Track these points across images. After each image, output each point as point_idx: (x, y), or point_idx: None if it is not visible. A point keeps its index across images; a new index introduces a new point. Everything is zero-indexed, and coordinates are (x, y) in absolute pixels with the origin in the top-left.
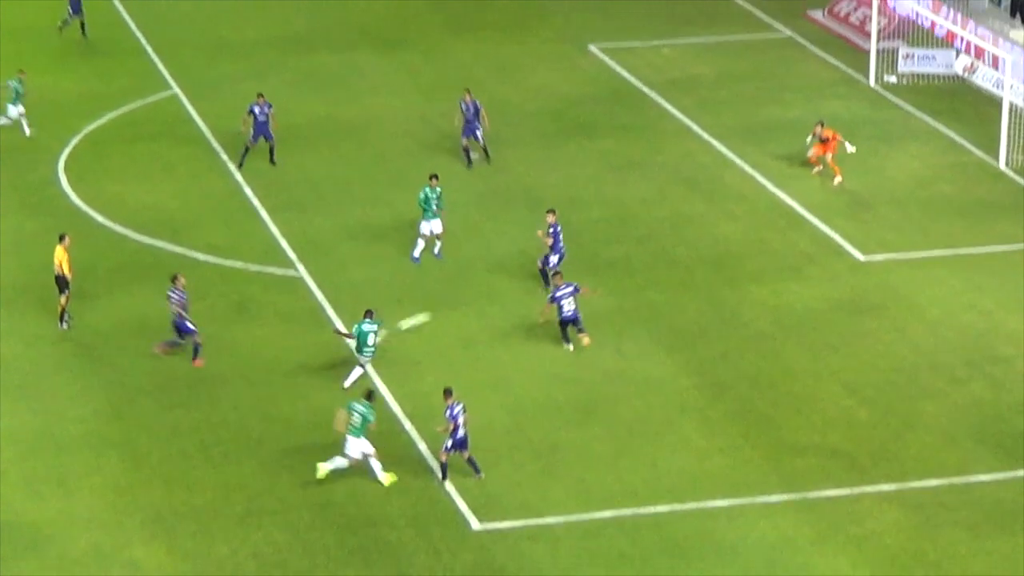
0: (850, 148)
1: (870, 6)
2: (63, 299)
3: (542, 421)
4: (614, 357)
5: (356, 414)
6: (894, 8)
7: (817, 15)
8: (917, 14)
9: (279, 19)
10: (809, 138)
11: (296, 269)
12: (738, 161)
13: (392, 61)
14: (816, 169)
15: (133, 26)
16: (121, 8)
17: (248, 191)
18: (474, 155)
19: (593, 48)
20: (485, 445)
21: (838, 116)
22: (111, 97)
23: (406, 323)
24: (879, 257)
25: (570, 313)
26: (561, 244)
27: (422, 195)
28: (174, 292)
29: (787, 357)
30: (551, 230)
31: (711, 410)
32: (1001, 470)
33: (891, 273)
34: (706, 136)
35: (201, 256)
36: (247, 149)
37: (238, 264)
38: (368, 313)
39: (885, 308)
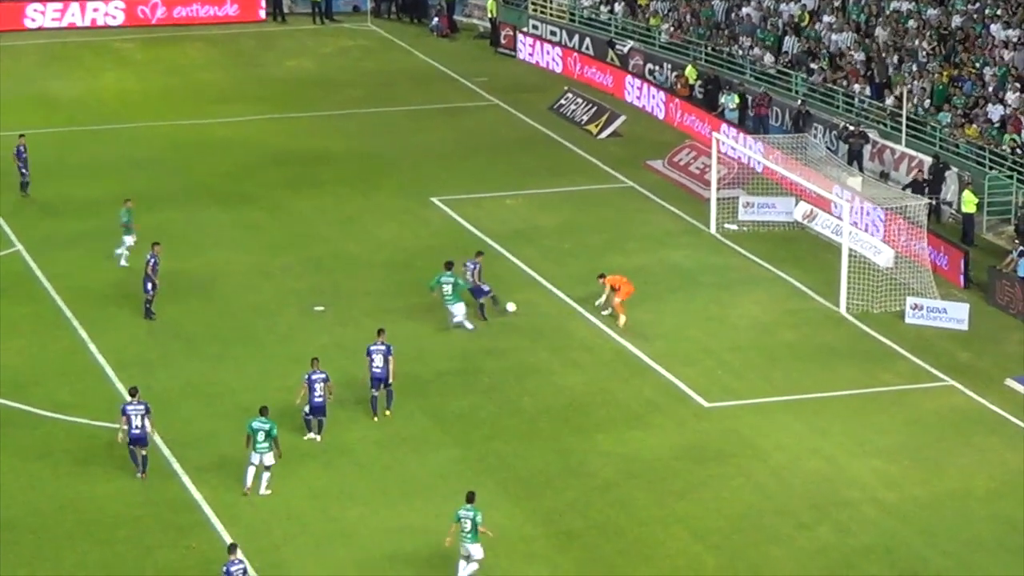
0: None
1: (709, 156)
2: None
3: (392, 573)
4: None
5: (466, 520)
6: (733, 157)
7: (657, 164)
8: (756, 163)
9: (124, 177)
10: (603, 298)
11: None
12: (582, 311)
13: (235, 217)
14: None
15: None
16: None
17: (93, 348)
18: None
19: (436, 200)
20: None
21: (680, 264)
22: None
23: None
24: (723, 404)
25: (379, 371)
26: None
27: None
28: (129, 406)
29: (634, 505)
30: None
31: (559, 559)
32: None
33: (735, 419)
34: (550, 286)
35: (46, 413)
36: (148, 300)
37: (82, 420)
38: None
39: (730, 454)
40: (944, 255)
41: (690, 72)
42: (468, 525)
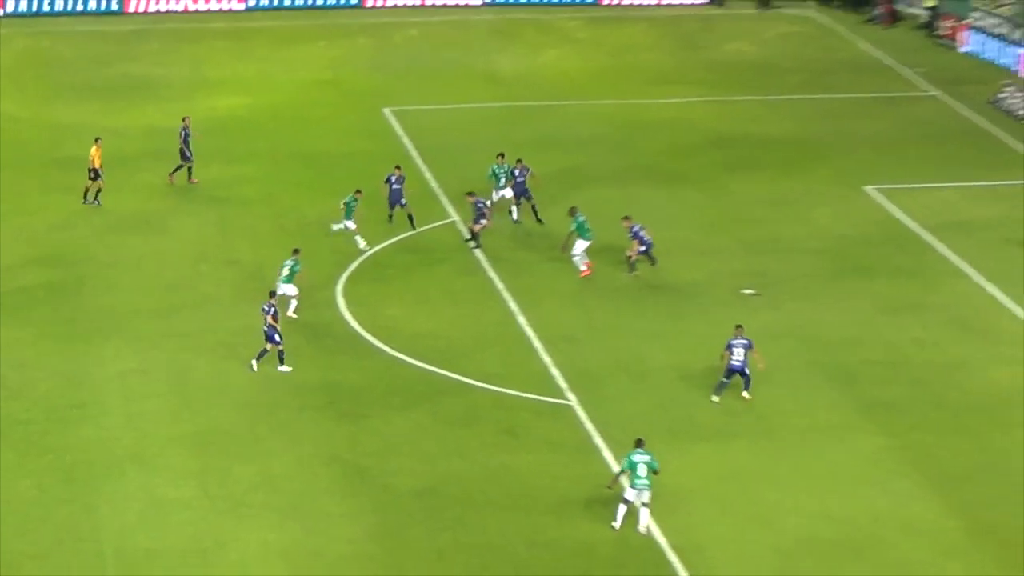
0: None
1: None
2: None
3: (808, 560)
4: (882, 497)
5: (641, 465)
6: None
7: None
8: None
9: (565, 153)
10: None
11: (567, 398)
12: (1013, 306)
13: (670, 196)
14: None
15: (422, 164)
16: (403, 137)
17: (522, 320)
18: None
19: (870, 189)
20: None
21: None
22: (393, 224)
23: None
24: None
25: (738, 364)
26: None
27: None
28: (267, 306)
29: None
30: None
31: (976, 554)
32: None
33: None
34: (981, 280)
35: (475, 383)
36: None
37: (509, 391)
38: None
39: None
40: None
41: None
42: (644, 470)
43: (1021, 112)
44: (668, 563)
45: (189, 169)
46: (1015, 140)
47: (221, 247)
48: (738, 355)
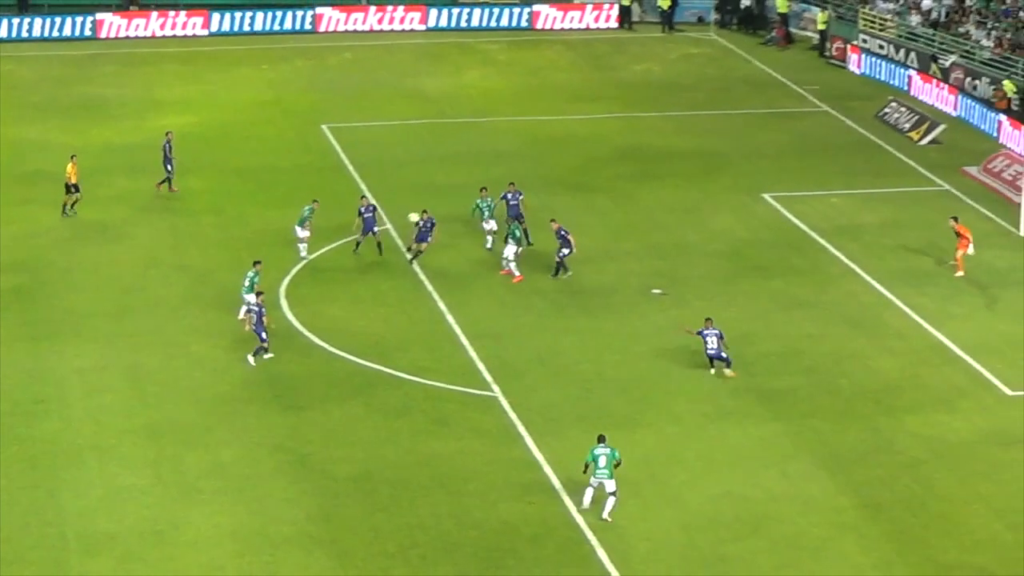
0: (971, 251)
1: (1022, 163)
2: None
3: (712, 535)
4: (779, 478)
5: (601, 456)
6: None
7: (972, 171)
8: None
9: (486, 166)
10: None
11: (492, 390)
12: (898, 302)
13: (583, 204)
14: (958, 273)
15: (356, 177)
16: (340, 152)
17: (450, 318)
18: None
19: (767, 196)
20: (659, 558)
21: (992, 263)
22: (330, 231)
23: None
24: None
25: (713, 351)
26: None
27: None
28: (256, 304)
29: (938, 483)
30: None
31: (867, 529)
32: None
33: None
34: (869, 279)
35: (406, 375)
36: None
37: (439, 384)
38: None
39: None
40: None
41: (1008, 86)
42: (604, 461)
43: (904, 125)
44: (585, 540)
45: (165, 179)
46: (899, 151)
47: (172, 254)
48: (712, 343)
